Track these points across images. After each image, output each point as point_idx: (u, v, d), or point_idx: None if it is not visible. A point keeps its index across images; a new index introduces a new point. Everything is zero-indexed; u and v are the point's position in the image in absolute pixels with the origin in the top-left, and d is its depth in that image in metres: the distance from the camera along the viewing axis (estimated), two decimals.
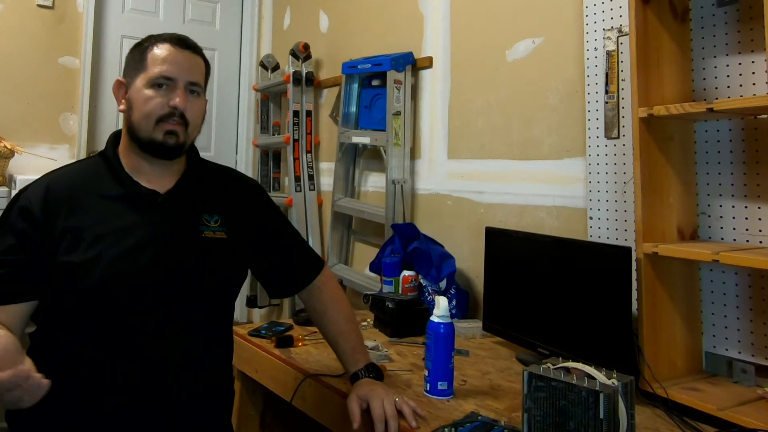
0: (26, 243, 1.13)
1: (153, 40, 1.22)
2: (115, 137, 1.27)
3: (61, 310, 1.15)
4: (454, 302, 2.03)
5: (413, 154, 2.48)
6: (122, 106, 1.23)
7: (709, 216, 1.47)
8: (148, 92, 1.17)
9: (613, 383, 1.03)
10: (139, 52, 1.22)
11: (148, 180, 1.22)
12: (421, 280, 2.10)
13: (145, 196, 1.20)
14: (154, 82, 1.18)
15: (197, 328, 1.21)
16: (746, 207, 1.40)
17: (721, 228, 1.45)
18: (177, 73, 1.18)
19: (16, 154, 2.79)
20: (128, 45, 3.18)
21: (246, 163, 3.59)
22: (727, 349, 1.43)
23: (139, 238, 1.16)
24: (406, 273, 2.10)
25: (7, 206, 1.19)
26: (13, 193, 2.67)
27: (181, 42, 1.22)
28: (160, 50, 1.19)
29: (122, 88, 1.23)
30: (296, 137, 3.02)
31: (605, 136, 1.71)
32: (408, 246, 2.18)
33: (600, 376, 1.06)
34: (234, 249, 1.27)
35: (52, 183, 1.19)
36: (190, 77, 1.20)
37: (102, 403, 1.14)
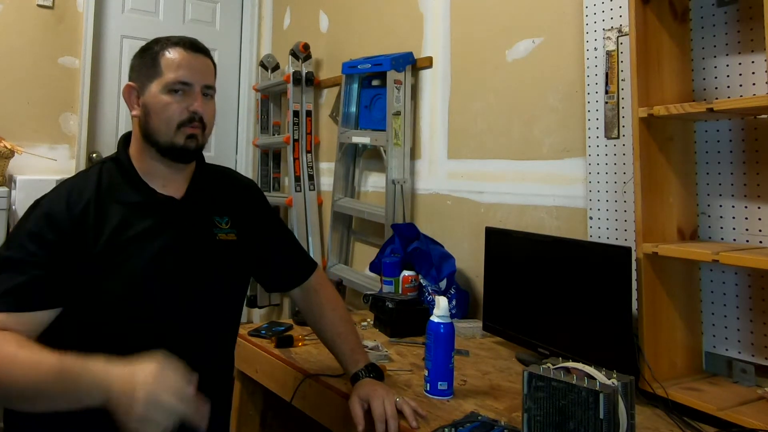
0: (50, 250, 1.10)
1: (163, 44, 1.21)
2: (125, 140, 1.27)
3: (82, 314, 1.14)
4: (454, 302, 2.03)
5: (413, 154, 2.48)
6: (135, 111, 1.23)
7: (709, 216, 1.47)
8: (166, 98, 1.18)
9: (613, 383, 1.03)
10: (150, 56, 1.21)
11: (163, 184, 1.23)
12: (421, 280, 2.10)
13: (162, 203, 1.21)
14: (171, 87, 1.18)
15: (211, 329, 1.24)
16: (746, 207, 1.40)
17: (721, 228, 1.45)
18: (193, 78, 1.19)
19: (16, 154, 2.79)
20: (128, 45, 3.24)
21: (246, 163, 3.59)
22: (727, 349, 1.43)
23: (160, 244, 1.17)
24: (406, 273, 2.10)
25: (27, 213, 1.17)
26: (14, 193, 2.70)
27: (194, 46, 1.22)
28: (173, 55, 1.19)
29: (134, 93, 1.23)
30: (296, 137, 3.02)
31: (605, 136, 1.71)
32: (408, 246, 2.18)
33: (600, 376, 1.06)
34: (243, 249, 1.30)
35: (72, 190, 1.17)
36: (205, 81, 1.21)
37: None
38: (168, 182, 1.23)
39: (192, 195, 1.26)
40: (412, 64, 2.46)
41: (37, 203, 1.18)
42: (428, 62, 2.43)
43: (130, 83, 1.24)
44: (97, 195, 1.17)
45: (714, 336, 1.45)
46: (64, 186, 1.20)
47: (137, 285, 1.13)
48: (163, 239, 1.18)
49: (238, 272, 1.31)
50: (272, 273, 1.43)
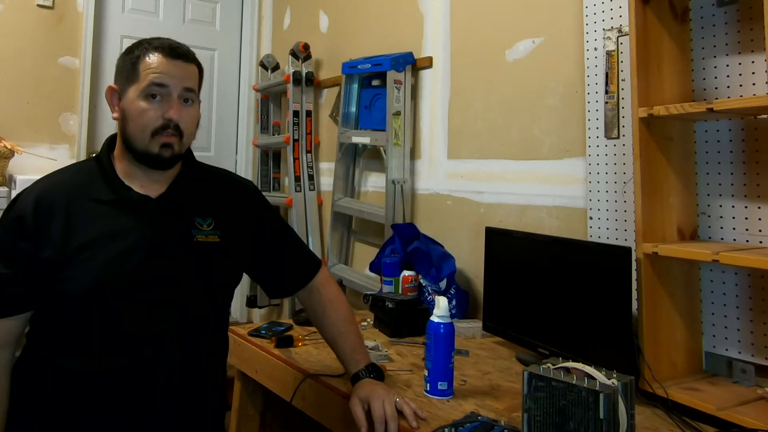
0: (18, 253, 1.14)
1: (143, 48, 1.19)
2: (111, 141, 1.26)
3: (52, 315, 1.16)
4: (454, 302, 2.03)
5: (413, 154, 2.48)
6: (116, 114, 1.21)
7: (709, 216, 1.47)
8: (142, 104, 1.16)
9: (613, 383, 1.04)
10: (130, 60, 1.19)
11: (141, 185, 1.21)
12: (421, 280, 2.10)
13: (137, 202, 1.19)
14: (148, 92, 1.16)
15: (190, 331, 1.20)
16: (746, 207, 1.40)
17: (721, 228, 1.45)
18: (170, 81, 1.17)
19: (16, 154, 2.79)
20: (128, 45, 3.22)
21: (246, 163, 3.59)
22: (727, 349, 1.43)
23: (129, 243, 1.15)
24: (406, 273, 2.10)
25: (4, 212, 1.20)
26: (14, 193, 2.69)
27: (173, 51, 1.19)
28: (152, 60, 1.16)
29: (115, 96, 1.21)
30: (296, 137, 3.02)
31: (605, 136, 1.71)
32: (408, 246, 2.18)
33: (600, 376, 1.06)
34: (228, 252, 1.26)
35: (44, 189, 1.18)
36: (183, 83, 1.18)
37: (91, 407, 1.13)
38: (146, 184, 1.21)
39: (170, 195, 1.23)
40: (412, 64, 2.46)
41: (14, 202, 1.19)
42: (428, 62, 2.43)
43: (112, 85, 1.22)
44: (70, 193, 1.18)
45: (714, 336, 1.45)
46: (38, 183, 1.20)
47: (98, 284, 1.12)
48: (132, 239, 1.16)
49: (220, 275, 1.26)
50: (275, 277, 1.41)
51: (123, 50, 1.25)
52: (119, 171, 1.22)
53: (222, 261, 1.25)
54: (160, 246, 1.18)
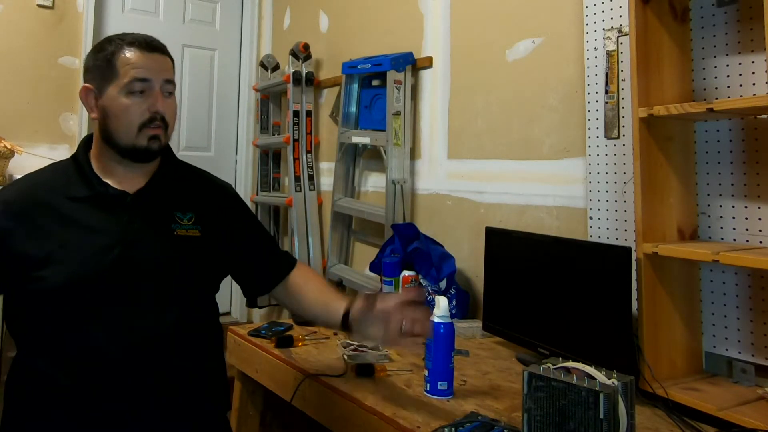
0: None
1: (116, 44, 1.18)
2: (87, 141, 1.26)
3: (31, 315, 1.15)
4: (454, 302, 2.03)
5: (413, 154, 2.48)
6: (94, 114, 1.21)
7: (709, 216, 1.47)
8: (126, 100, 1.16)
9: (613, 383, 1.04)
10: (104, 57, 1.18)
11: (119, 181, 1.21)
12: (421, 280, 2.10)
13: (113, 197, 1.19)
14: (130, 88, 1.16)
15: (174, 326, 1.18)
16: (746, 207, 1.40)
17: (721, 228, 1.45)
18: (152, 75, 1.17)
19: (16, 154, 2.79)
20: None
21: (246, 163, 3.58)
22: (727, 349, 1.43)
23: (107, 239, 1.15)
24: (406, 273, 2.10)
25: None
26: None
27: (149, 45, 1.19)
28: (130, 55, 1.17)
29: (91, 95, 1.20)
30: (296, 137, 3.02)
31: (605, 136, 1.71)
32: (408, 246, 2.18)
33: (600, 376, 1.06)
34: (209, 246, 1.26)
35: (18, 190, 1.19)
36: (164, 75, 1.19)
37: (74, 410, 1.12)
38: (125, 180, 1.21)
39: (149, 190, 1.23)
40: (412, 64, 2.46)
41: None
42: (428, 62, 2.43)
43: (87, 85, 1.21)
44: (45, 192, 1.17)
45: (714, 336, 1.45)
46: (14, 185, 1.22)
47: (75, 280, 1.11)
48: (110, 234, 1.15)
49: (202, 268, 1.25)
50: (248, 276, 1.40)
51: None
52: (96, 168, 1.22)
53: (204, 255, 1.25)
54: (139, 241, 1.18)
